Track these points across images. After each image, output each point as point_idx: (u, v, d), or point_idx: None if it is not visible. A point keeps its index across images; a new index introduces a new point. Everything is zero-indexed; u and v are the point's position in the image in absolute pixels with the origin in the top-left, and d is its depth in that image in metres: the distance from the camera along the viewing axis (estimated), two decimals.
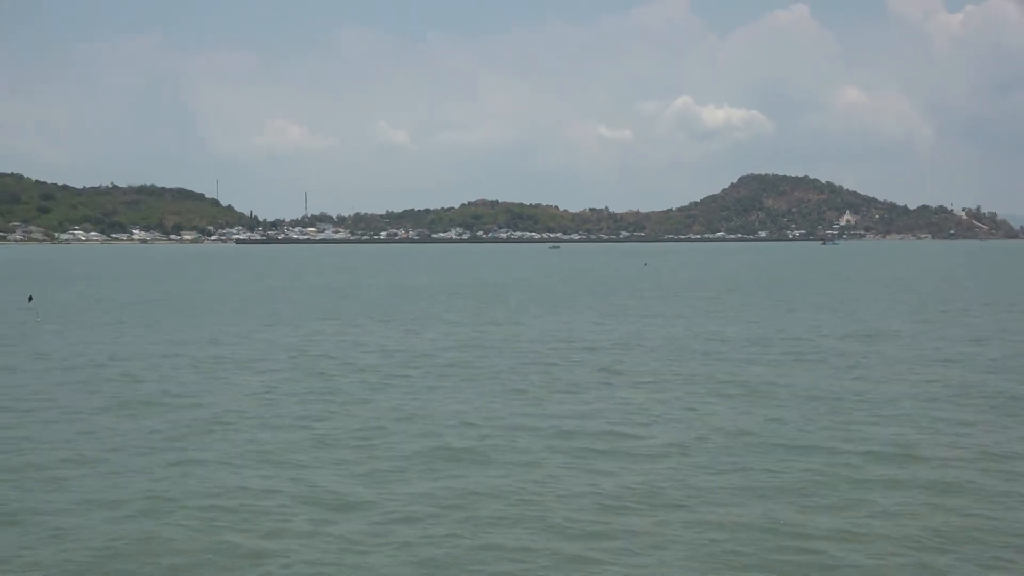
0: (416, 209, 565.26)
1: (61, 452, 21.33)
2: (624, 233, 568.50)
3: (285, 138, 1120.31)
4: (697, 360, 35.93)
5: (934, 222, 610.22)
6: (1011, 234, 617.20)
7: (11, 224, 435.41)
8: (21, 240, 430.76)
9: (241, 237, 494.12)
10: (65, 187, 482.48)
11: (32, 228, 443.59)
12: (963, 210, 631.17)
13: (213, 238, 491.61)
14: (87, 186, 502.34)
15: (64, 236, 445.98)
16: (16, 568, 14.31)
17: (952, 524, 15.87)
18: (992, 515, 16.40)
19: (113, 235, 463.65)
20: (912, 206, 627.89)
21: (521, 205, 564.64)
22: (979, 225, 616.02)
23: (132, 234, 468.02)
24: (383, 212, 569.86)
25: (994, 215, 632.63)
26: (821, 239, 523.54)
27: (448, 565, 14.48)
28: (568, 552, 14.89)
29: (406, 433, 23.11)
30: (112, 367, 34.76)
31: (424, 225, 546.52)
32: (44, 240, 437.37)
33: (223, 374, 32.83)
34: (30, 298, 69.55)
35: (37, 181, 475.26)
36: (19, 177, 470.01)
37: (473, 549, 15.32)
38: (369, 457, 20.82)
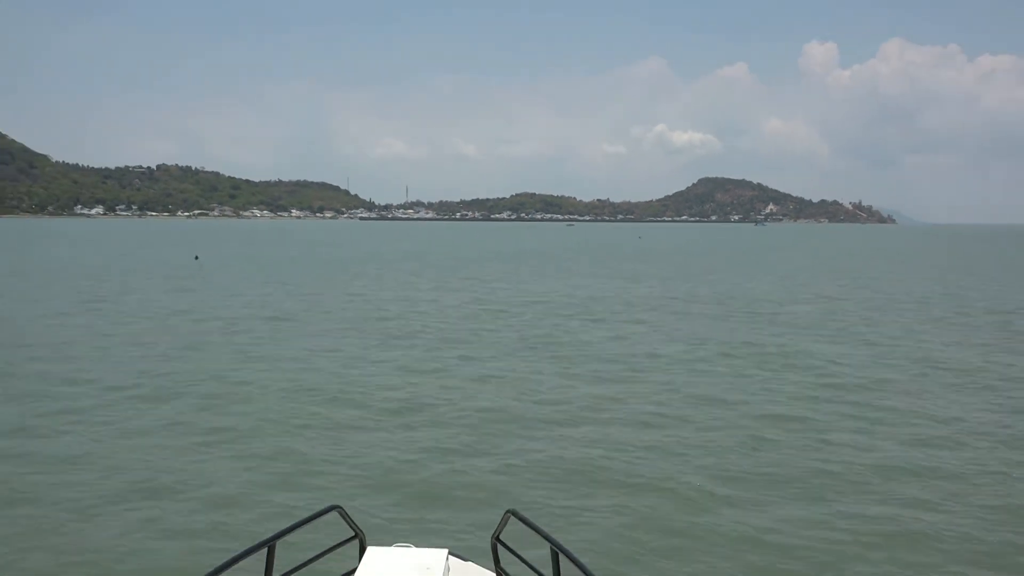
0: (480, 198, 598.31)
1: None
2: (620, 216, 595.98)
3: (392, 149, 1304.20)
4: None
5: (830, 211, 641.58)
6: (881, 220, 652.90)
7: (211, 205, 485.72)
8: (217, 216, 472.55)
9: (363, 215, 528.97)
10: (247, 180, 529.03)
11: (225, 208, 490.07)
12: (849, 203, 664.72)
13: (344, 216, 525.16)
14: (262, 180, 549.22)
15: (246, 213, 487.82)
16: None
17: None
18: None
19: (279, 213, 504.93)
20: (815, 200, 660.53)
21: (551, 196, 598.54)
22: (860, 214, 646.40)
23: (291, 213, 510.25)
24: (458, 200, 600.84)
25: (870, 207, 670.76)
26: (753, 222, 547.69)
27: None
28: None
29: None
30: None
31: (485, 209, 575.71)
32: (232, 216, 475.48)
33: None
34: (196, 257, 65.04)
35: (229, 176, 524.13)
36: (216, 174, 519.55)
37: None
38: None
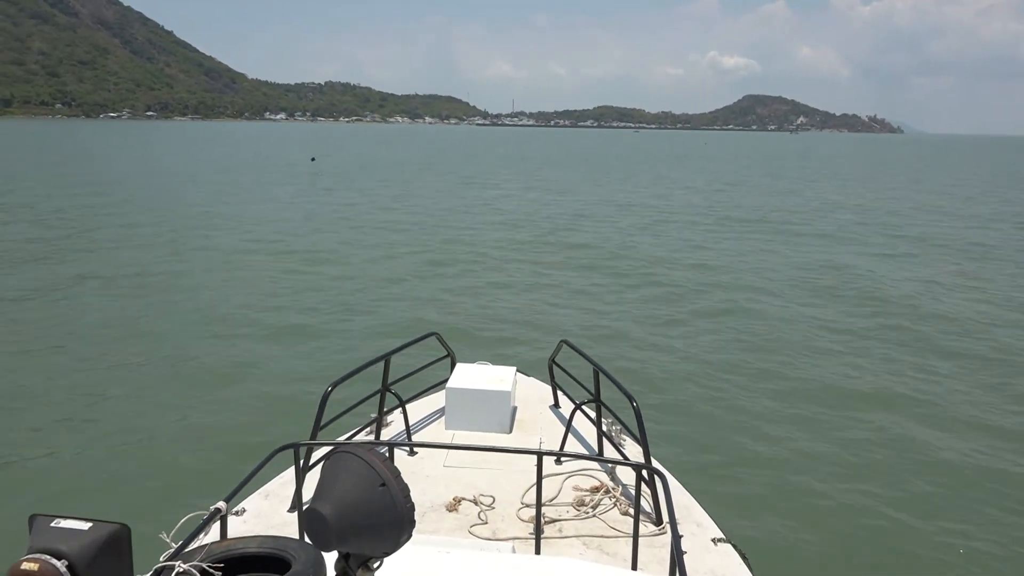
0: (569, 109, 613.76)
1: None
2: (679, 125, 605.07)
3: (501, 71, 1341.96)
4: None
5: (849, 122, 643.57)
6: (891, 131, 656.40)
7: (364, 113, 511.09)
8: (368, 121, 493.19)
9: (479, 122, 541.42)
10: (392, 94, 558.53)
11: (375, 115, 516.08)
12: (866, 116, 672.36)
13: (464, 122, 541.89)
14: (403, 93, 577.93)
15: (391, 119, 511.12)
16: None
17: None
18: None
19: (415, 119, 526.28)
20: (837, 113, 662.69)
21: (624, 108, 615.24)
22: (874, 125, 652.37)
23: (425, 119, 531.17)
24: (552, 110, 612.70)
25: (883, 119, 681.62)
26: (788, 131, 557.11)
27: None
28: None
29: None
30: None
31: (573, 118, 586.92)
32: (380, 122, 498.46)
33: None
34: (312, 159, 58.11)
35: (378, 91, 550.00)
36: (369, 88, 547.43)
37: None
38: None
